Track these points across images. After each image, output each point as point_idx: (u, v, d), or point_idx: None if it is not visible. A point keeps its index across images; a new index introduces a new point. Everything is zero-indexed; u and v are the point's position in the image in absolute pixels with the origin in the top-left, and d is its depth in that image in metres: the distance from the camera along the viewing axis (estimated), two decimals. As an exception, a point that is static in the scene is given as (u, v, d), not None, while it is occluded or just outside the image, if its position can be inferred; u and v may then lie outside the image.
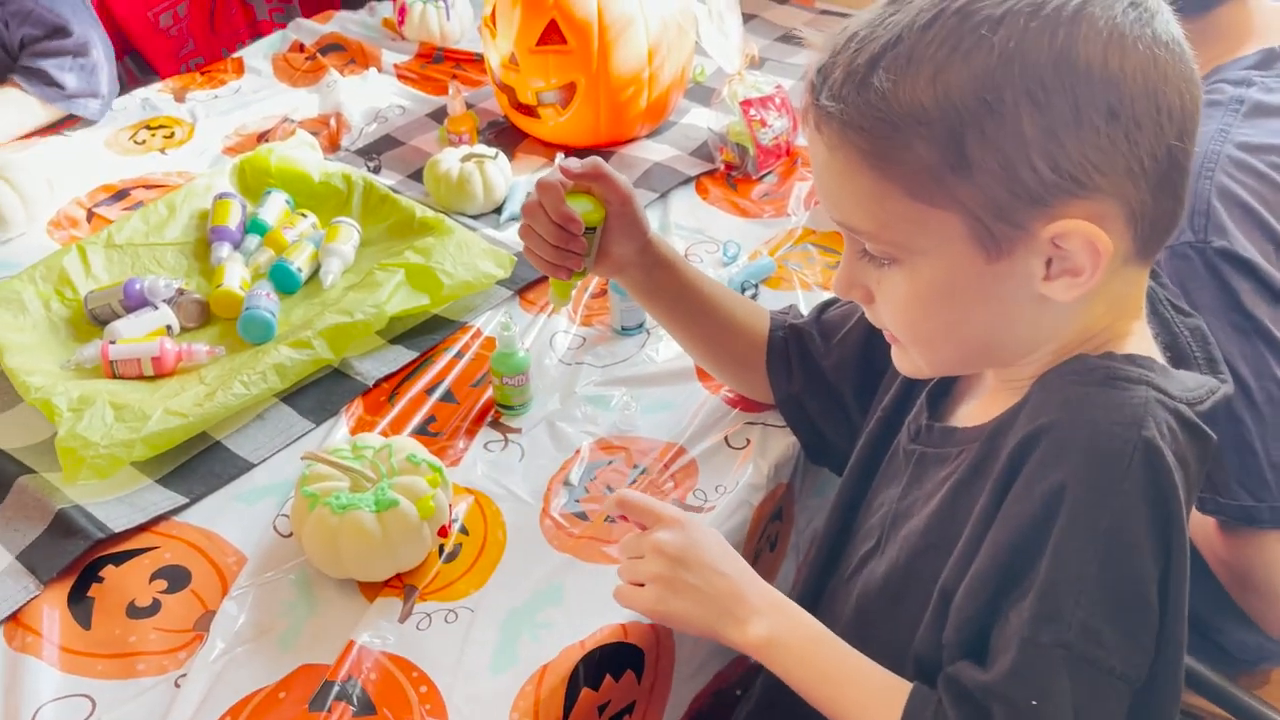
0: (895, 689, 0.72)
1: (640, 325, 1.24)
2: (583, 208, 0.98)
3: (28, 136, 1.66)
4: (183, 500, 1.04)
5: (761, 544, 1.08)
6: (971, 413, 0.80)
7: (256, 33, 2.24)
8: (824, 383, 1.01)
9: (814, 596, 0.91)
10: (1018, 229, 0.64)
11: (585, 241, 0.98)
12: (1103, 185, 0.63)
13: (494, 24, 1.54)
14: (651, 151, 1.58)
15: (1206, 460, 0.69)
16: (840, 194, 0.69)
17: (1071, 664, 0.63)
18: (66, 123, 1.71)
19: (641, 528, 0.88)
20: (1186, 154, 0.66)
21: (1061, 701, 0.63)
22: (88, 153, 1.63)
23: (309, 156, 1.49)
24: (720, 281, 1.10)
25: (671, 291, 1.04)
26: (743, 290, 1.29)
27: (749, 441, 1.08)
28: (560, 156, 1.38)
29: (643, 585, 0.84)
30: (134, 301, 1.23)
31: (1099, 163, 0.62)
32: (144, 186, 1.54)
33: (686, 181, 1.52)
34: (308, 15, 2.25)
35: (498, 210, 1.46)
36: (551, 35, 1.47)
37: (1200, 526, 1.00)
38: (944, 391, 0.84)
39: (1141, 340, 0.72)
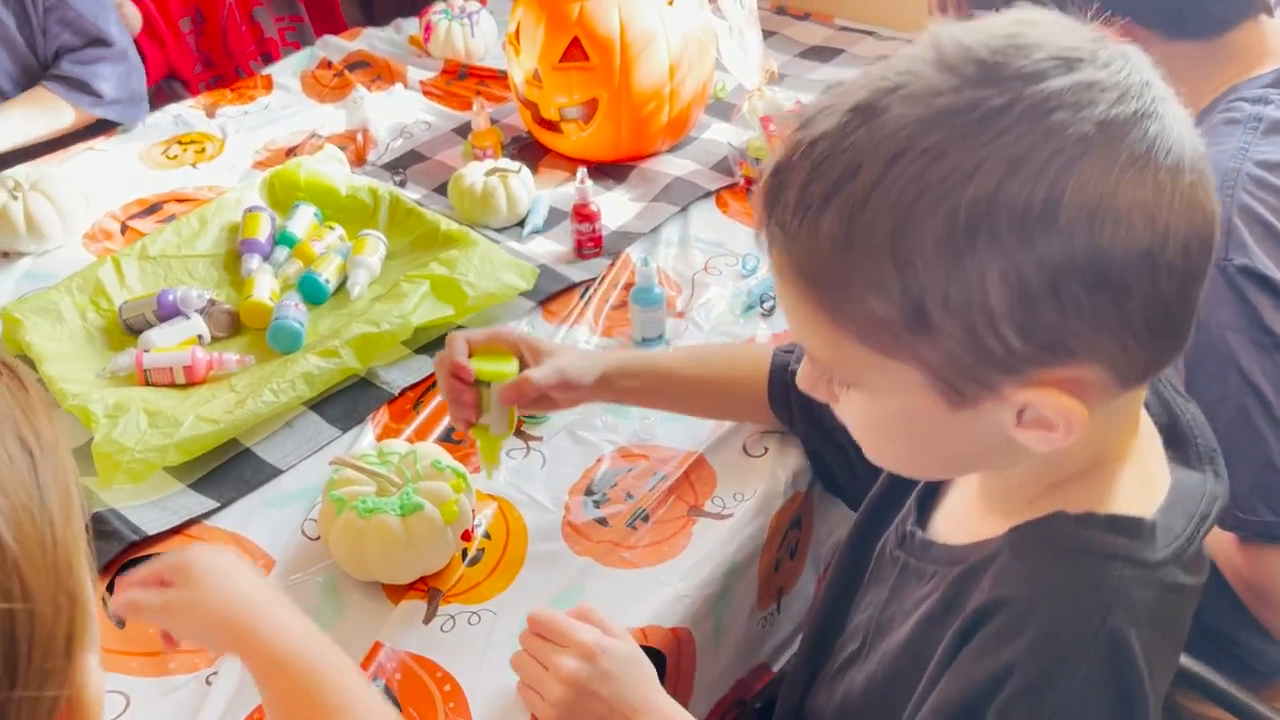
0: None
1: (660, 336, 1.26)
2: (482, 363, 0.96)
3: (65, 148, 1.70)
4: (214, 504, 1.06)
5: (781, 552, 1.10)
6: (954, 525, 0.76)
7: (265, 50, 2.28)
8: (823, 429, 1.01)
9: (804, 684, 0.90)
10: (984, 388, 0.58)
11: (478, 393, 0.96)
12: (1084, 353, 0.56)
13: (518, 41, 1.57)
14: (672, 166, 1.60)
15: (1198, 598, 0.66)
16: (794, 318, 0.63)
17: None
18: (101, 134, 1.75)
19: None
20: (1191, 301, 0.58)
21: None
22: (122, 167, 1.67)
23: (337, 170, 1.52)
24: (726, 332, 1.09)
25: (647, 393, 1.04)
26: (761, 302, 1.31)
27: (767, 450, 1.10)
28: (582, 171, 1.41)
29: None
30: (167, 311, 1.26)
31: (1079, 332, 0.55)
32: (176, 200, 1.58)
33: (706, 195, 1.54)
34: (319, 33, 2.29)
35: (520, 223, 1.49)
36: (574, 52, 1.50)
37: (1219, 541, 1.01)
38: (931, 492, 0.80)
39: (1134, 472, 0.66)
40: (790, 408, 1.03)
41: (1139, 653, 0.59)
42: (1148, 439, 0.69)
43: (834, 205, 0.55)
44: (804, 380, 0.69)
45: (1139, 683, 0.60)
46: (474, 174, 1.47)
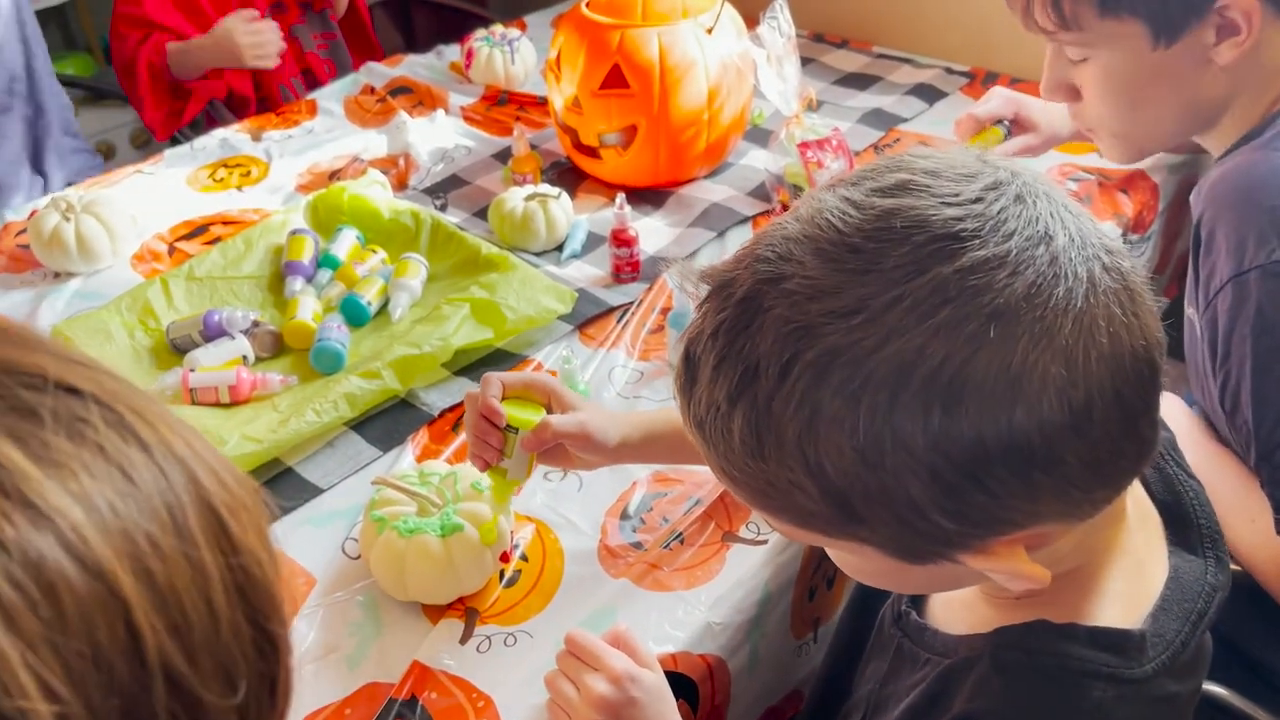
0: None
1: (697, 361, 1.27)
2: (514, 409, 0.96)
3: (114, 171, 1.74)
4: (256, 522, 1.08)
5: (816, 579, 1.10)
6: (948, 608, 0.75)
7: (305, 65, 2.31)
8: None
9: None
10: (938, 556, 0.57)
11: (503, 438, 0.96)
12: (1025, 520, 0.55)
13: (558, 68, 1.59)
14: (710, 192, 1.62)
15: (1196, 698, 0.66)
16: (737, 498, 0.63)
17: None
18: (148, 159, 1.79)
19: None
20: (1145, 427, 0.56)
21: None
22: (169, 190, 1.70)
23: (379, 194, 1.54)
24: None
25: (672, 452, 1.03)
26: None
27: (803, 476, 1.10)
28: (621, 196, 1.42)
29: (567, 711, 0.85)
30: (213, 332, 1.29)
31: (1014, 506, 0.54)
32: (222, 222, 1.61)
33: (744, 221, 1.55)
34: (353, 50, 2.33)
35: (559, 248, 1.50)
36: (615, 79, 1.52)
37: (1269, 551, 0.98)
38: None
39: (1126, 569, 0.64)
40: None
41: None
42: (1142, 527, 0.67)
43: (740, 409, 0.55)
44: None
45: None
46: (514, 199, 1.49)
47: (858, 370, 0.51)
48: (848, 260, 0.53)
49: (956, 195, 0.53)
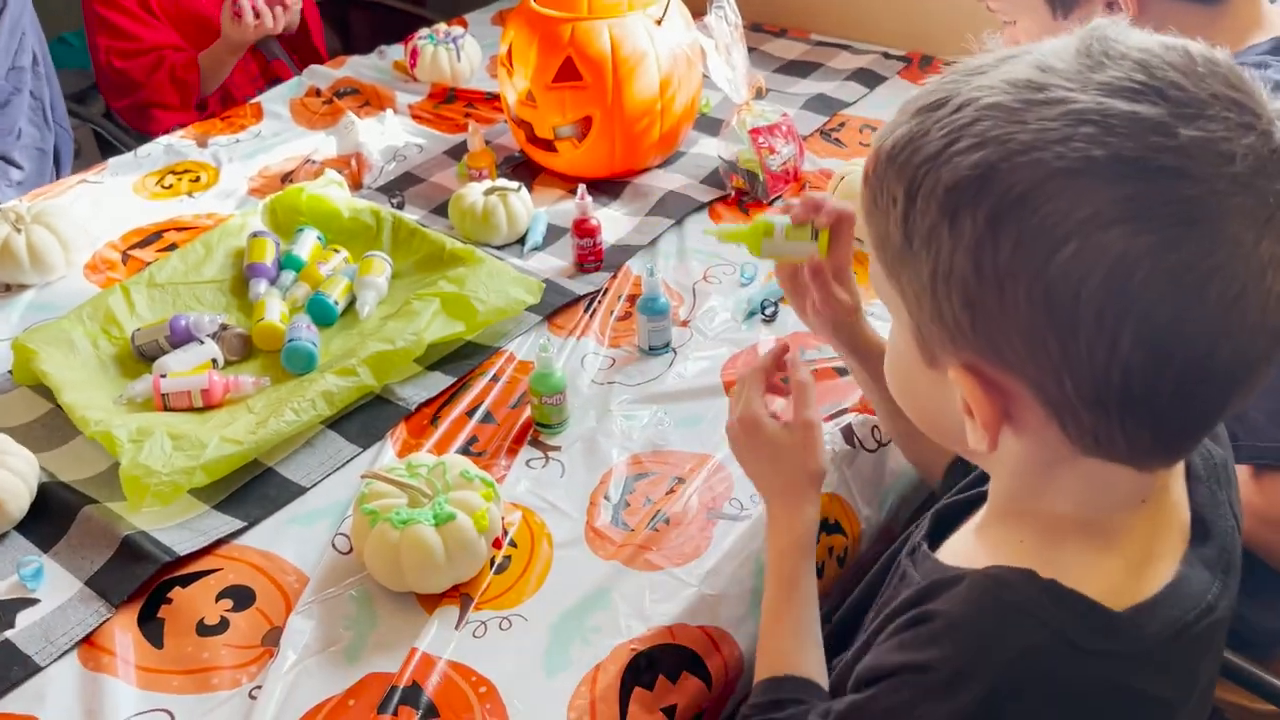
0: (791, 673, 0.86)
1: (666, 345, 1.29)
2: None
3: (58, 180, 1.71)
4: (241, 524, 1.08)
5: (826, 556, 1.10)
6: (956, 558, 0.75)
7: (274, 75, 2.28)
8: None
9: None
10: (937, 349, 0.62)
11: (814, 233, 0.97)
12: (1015, 366, 0.58)
13: (510, 63, 1.60)
14: (664, 180, 1.64)
15: (1185, 705, 0.65)
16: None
17: None
18: (92, 168, 1.76)
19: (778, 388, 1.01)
20: (1199, 407, 0.57)
21: None
22: (117, 198, 1.68)
23: (338, 194, 1.54)
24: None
25: (868, 359, 1.05)
26: (762, 309, 1.34)
27: (779, 451, 1.13)
28: (582, 187, 1.44)
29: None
30: (180, 337, 1.28)
31: (1014, 343, 0.56)
32: (175, 229, 1.59)
33: (700, 208, 1.58)
34: (300, 62, 2.31)
35: (520, 241, 1.52)
36: (568, 72, 1.53)
37: (1247, 505, 1.00)
38: (950, 522, 0.81)
39: (1132, 560, 0.65)
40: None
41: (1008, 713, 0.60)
42: (1169, 533, 0.67)
43: (926, 124, 0.58)
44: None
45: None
46: (474, 194, 1.50)
47: (1001, 130, 0.54)
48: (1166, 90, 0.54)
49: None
